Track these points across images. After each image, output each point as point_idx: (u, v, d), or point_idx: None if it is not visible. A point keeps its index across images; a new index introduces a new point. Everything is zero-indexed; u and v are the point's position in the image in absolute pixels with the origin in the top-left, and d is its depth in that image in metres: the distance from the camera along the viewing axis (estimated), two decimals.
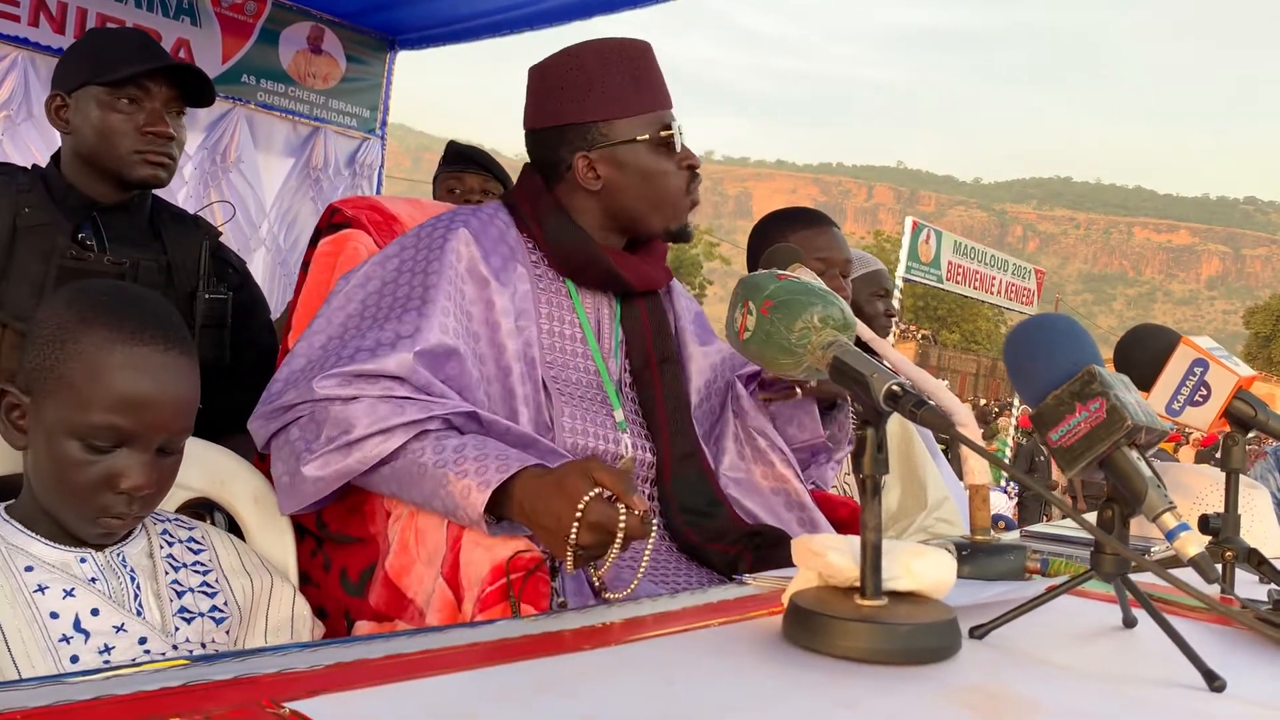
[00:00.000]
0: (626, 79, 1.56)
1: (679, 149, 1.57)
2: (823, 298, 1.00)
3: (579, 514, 1.15)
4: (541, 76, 1.59)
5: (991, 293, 12.45)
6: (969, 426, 1.32)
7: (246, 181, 3.87)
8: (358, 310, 1.43)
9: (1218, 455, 1.57)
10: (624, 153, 1.55)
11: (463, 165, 3.04)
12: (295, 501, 1.35)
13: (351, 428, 1.29)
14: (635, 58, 1.58)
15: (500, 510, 1.25)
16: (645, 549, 1.22)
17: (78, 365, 1.10)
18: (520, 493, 1.23)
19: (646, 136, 1.55)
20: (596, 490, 1.16)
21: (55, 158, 1.89)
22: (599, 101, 1.55)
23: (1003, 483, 9.52)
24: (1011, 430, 12.98)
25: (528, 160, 1.64)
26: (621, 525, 1.15)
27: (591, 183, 1.55)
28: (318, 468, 1.30)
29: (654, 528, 1.19)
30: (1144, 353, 1.47)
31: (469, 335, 1.43)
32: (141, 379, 1.11)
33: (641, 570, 1.24)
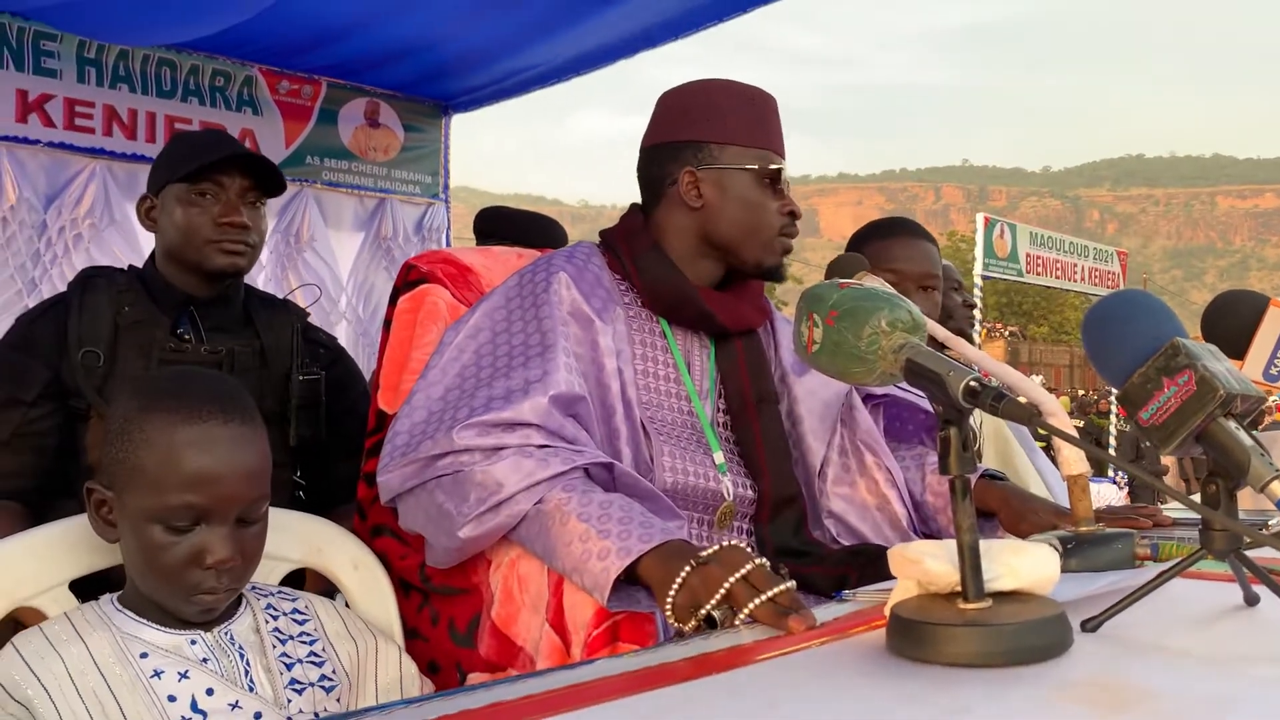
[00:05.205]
0: (749, 114, 1.58)
1: (785, 193, 1.59)
2: (889, 301, 0.98)
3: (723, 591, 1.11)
4: (667, 99, 1.63)
5: (1075, 280, 12.17)
6: (1057, 416, 1.28)
7: (321, 259, 3.98)
8: (473, 360, 1.45)
9: None
10: (730, 177, 1.56)
11: (483, 241, 3.06)
12: (452, 560, 1.37)
13: (500, 487, 1.28)
14: (760, 102, 1.60)
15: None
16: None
17: (146, 452, 1.14)
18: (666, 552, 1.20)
19: (755, 167, 1.56)
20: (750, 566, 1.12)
21: (152, 257, 1.98)
22: (718, 126, 1.57)
23: (1111, 473, 9.24)
24: (1112, 418, 12.62)
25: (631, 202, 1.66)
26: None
27: (693, 199, 1.57)
28: (473, 529, 1.30)
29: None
30: (1233, 320, 1.42)
31: (582, 377, 1.43)
32: (206, 455, 1.15)
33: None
